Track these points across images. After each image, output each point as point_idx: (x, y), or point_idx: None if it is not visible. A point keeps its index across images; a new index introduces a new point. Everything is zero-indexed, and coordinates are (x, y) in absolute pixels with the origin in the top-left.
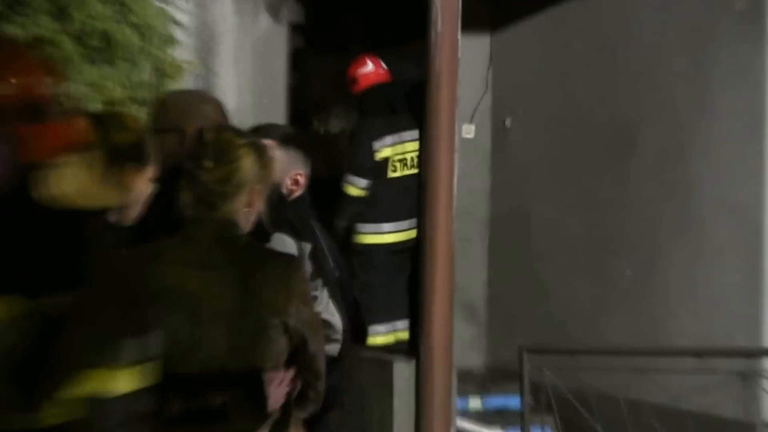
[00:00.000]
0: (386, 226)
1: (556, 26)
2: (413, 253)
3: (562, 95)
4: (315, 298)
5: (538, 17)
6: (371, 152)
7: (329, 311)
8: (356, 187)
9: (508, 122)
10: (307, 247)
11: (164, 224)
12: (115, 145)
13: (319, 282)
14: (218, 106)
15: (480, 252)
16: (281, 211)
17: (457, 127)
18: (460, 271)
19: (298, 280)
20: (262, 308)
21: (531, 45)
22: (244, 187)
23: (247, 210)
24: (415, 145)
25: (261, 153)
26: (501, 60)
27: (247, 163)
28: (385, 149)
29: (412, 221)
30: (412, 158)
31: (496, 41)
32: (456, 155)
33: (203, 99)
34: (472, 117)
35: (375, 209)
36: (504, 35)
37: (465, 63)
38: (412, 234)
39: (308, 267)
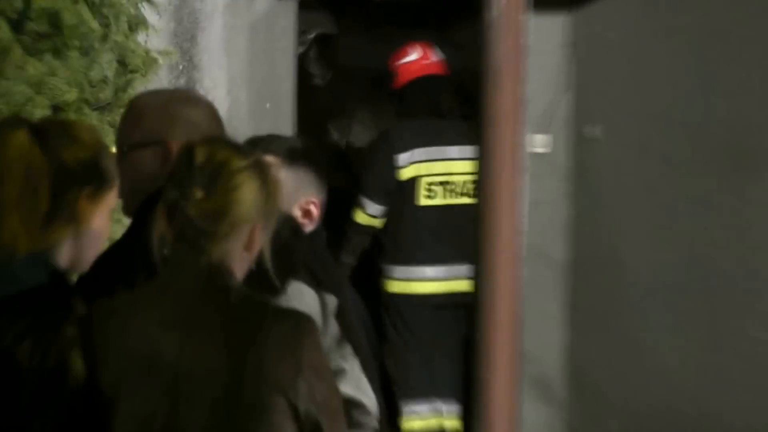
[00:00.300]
0: (420, 271)
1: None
2: (464, 310)
3: (668, 95)
4: (342, 372)
5: None
6: (391, 169)
7: (362, 389)
8: (365, 213)
9: (594, 132)
10: (332, 301)
11: (132, 271)
12: (63, 164)
13: (348, 350)
14: (210, 111)
15: (556, 307)
16: (297, 252)
17: (524, 140)
18: (529, 334)
19: (310, 347)
20: (262, 384)
21: (626, 25)
22: (242, 224)
23: (245, 253)
24: (468, 166)
25: (266, 178)
26: (585, 47)
27: (249, 193)
28: (412, 166)
29: (461, 267)
30: (464, 183)
31: (577, 21)
32: (523, 177)
33: (189, 101)
34: (546, 125)
35: (402, 247)
36: (589, 12)
37: (535, 52)
38: (462, 284)
39: (334, 328)
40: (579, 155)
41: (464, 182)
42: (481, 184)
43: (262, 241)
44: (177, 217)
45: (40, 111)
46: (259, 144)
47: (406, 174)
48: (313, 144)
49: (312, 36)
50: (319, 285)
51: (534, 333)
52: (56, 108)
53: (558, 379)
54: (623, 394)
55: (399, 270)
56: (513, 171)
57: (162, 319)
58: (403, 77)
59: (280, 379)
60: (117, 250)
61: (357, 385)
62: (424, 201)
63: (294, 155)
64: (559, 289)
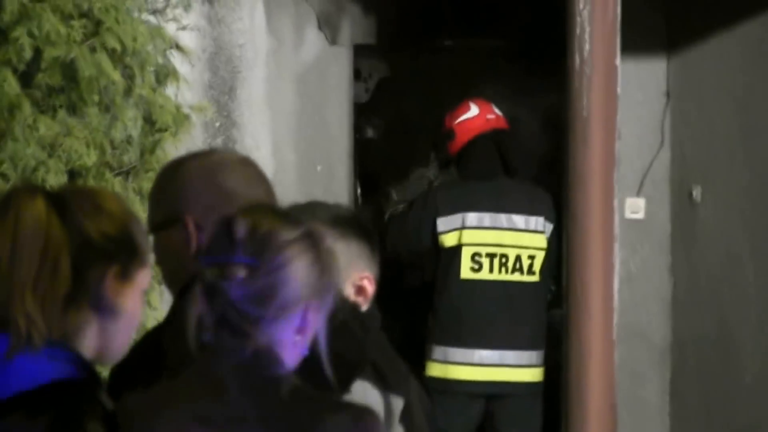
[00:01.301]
0: (461, 354)
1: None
2: (512, 404)
3: None
4: None
5: (742, 28)
6: (429, 232)
7: None
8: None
9: (697, 194)
10: (399, 403)
11: (166, 363)
12: (86, 238)
13: None
14: (249, 174)
15: (657, 395)
16: (360, 342)
17: (616, 203)
18: (626, 427)
19: None
20: None
21: (731, 71)
22: (295, 306)
23: (297, 338)
24: (525, 238)
25: (320, 250)
26: (685, 96)
27: (300, 269)
28: (455, 233)
29: (512, 354)
30: (517, 256)
31: (676, 67)
32: (615, 246)
33: (219, 165)
34: (641, 187)
35: (444, 325)
36: (689, 58)
37: (628, 102)
38: (512, 374)
39: None
40: (679, 221)
41: (518, 256)
42: (568, 255)
43: (316, 323)
44: (217, 300)
45: (54, 177)
46: (301, 213)
47: (448, 241)
48: (366, 211)
49: (375, 81)
50: (383, 382)
51: (631, 425)
52: (73, 173)
53: None
54: None
55: (439, 351)
56: (603, 239)
57: (200, 415)
58: (463, 137)
59: None
60: (153, 338)
61: None
62: (467, 274)
63: (342, 224)
64: (659, 375)
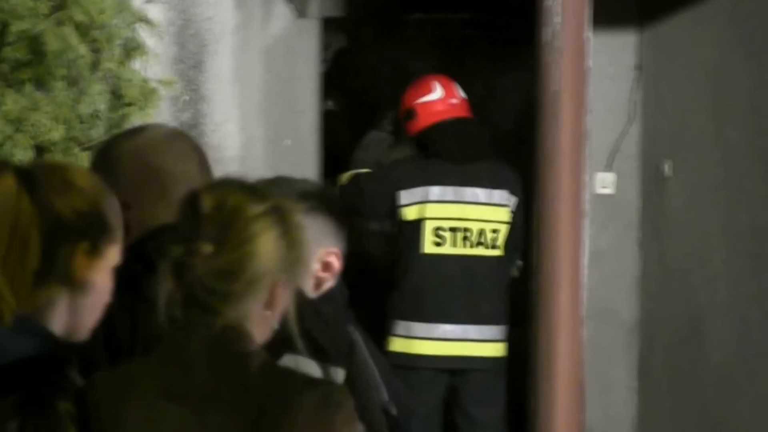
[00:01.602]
0: (424, 329)
1: (741, 15)
2: (475, 379)
3: (751, 124)
4: None
5: (715, 2)
6: (387, 207)
7: None
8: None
9: (667, 169)
10: (339, 374)
11: (124, 341)
12: (57, 215)
13: (361, 429)
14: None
15: (625, 373)
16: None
17: (586, 179)
18: (594, 405)
19: (345, 421)
20: None
21: (703, 47)
22: (262, 281)
23: (266, 313)
24: (493, 212)
25: (288, 224)
26: (656, 70)
27: (267, 244)
28: (417, 207)
29: (474, 329)
30: (481, 231)
31: (648, 41)
32: (585, 221)
33: (173, 138)
34: (611, 162)
35: (406, 300)
36: (661, 31)
37: (598, 76)
38: (474, 349)
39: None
40: (649, 196)
41: (481, 230)
42: (537, 231)
43: (285, 298)
44: (185, 277)
45: (21, 152)
46: (267, 188)
47: (410, 215)
48: (330, 186)
49: (332, 52)
50: (322, 354)
51: (598, 403)
52: (40, 148)
53: None
54: None
55: (402, 326)
56: (573, 215)
57: (169, 392)
58: (425, 119)
59: None
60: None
61: None
62: (429, 248)
63: (309, 199)
64: (628, 353)
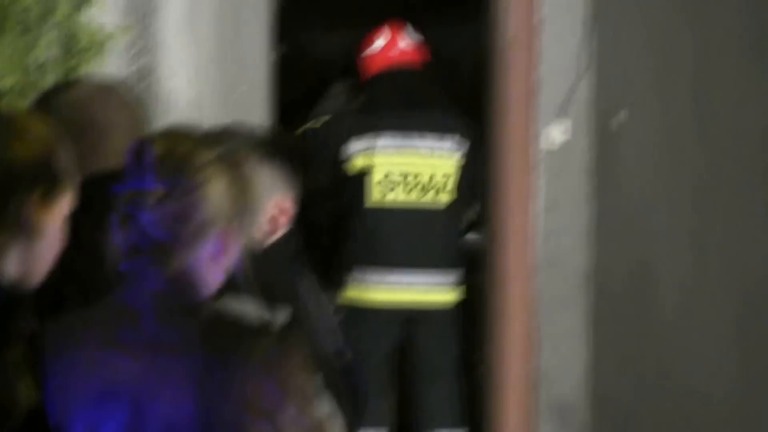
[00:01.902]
0: (376, 277)
1: None
2: (428, 327)
3: (706, 75)
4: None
5: None
6: (338, 162)
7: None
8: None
9: (620, 120)
10: (281, 315)
11: (86, 286)
12: (8, 163)
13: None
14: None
15: (577, 324)
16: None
17: (537, 129)
18: (546, 353)
19: (294, 370)
20: (238, 416)
21: None
22: (210, 230)
23: (214, 264)
24: (443, 158)
25: (237, 172)
26: (610, 20)
27: (216, 191)
28: (364, 156)
29: (426, 276)
30: (431, 177)
31: None
32: (536, 172)
33: (106, 90)
34: (563, 112)
35: (355, 250)
36: None
37: (551, 26)
38: (426, 296)
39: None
40: (601, 147)
41: (431, 176)
42: (489, 181)
43: (234, 248)
44: (130, 227)
45: None
46: (219, 136)
47: (358, 164)
48: (286, 134)
49: None
50: (269, 297)
51: (551, 351)
52: None
53: (579, 405)
54: (651, 422)
55: (355, 273)
56: (524, 166)
57: (118, 341)
58: (369, 70)
59: (260, 409)
60: (68, 261)
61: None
62: (378, 196)
63: (262, 147)
64: (580, 302)
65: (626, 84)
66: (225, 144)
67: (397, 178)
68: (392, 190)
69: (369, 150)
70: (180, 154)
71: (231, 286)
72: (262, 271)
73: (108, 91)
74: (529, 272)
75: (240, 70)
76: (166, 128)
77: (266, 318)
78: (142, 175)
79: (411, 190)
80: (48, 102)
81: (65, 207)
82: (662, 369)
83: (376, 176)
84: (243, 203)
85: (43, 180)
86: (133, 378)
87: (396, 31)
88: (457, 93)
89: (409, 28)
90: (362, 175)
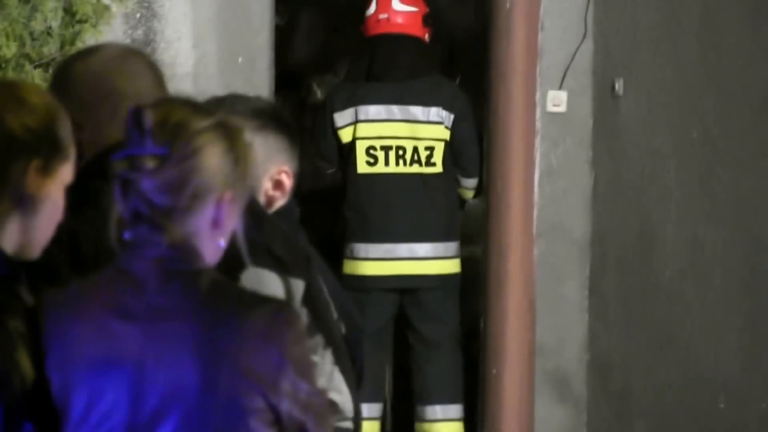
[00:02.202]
0: (364, 249)
1: None
2: (416, 296)
3: (706, 41)
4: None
5: None
6: (332, 132)
7: (334, 385)
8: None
9: (619, 87)
10: (299, 285)
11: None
12: (8, 132)
13: (320, 340)
14: (154, 69)
15: (576, 291)
16: (256, 231)
17: (538, 96)
18: (544, 322)
19: (294, 339)
20: (239, 383)
21: None
22: (208, 196)
23: (214, 231)
24: (426, 129)
25: (233, 139)
26: None
27: (212, 157)
28: (349, 128)
29: (425, 247)
30: (415, 148)
31: None
32: (537, 140)
33: (126, 57)
34: (563, 80)
35: (347, 222)
36: None
37: None
38: (414, 267)
39: (303, 317)
40: (601, 114)
41: (415, 147)
42: (489, 149)
43: (232, 215)
44: (130, 194)
45: None
46: (220, 106)
47: (344, 137)
48: (286, 103)
49: None
50: (285, 268)
51: (549, 321)
52: None
53: (577, 374)
54: (651, 391)
55: (347, 248)
56: (525, 133)
57: (122, 311)
58: (362, 38)
59: (260, 376)
60: (71, 233)
61: (329, 381)
62: (363, 168)
63: (261, 117)
64: (579, 270)
65: (625, 51)
66: (223, 111)
67: (379, 149)
68: (375, 161)
69: (353, 122)
70: (176, 121)
71: (251, 256)
72: (270, 238)
73: (128, 57)
74: (528, 241)
75: (241, 38)
76: (163, 98)
77: (285, 289)
78: (139, 141)
79: (395, 161)
80: (67, 70)
81: (65, 178)
82: (662, 337)
83: (360, 148)
84: (241, 170)
85: (43, 150)
86: (135, 344)
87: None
88: (458, 61)
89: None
90: (349, 147)
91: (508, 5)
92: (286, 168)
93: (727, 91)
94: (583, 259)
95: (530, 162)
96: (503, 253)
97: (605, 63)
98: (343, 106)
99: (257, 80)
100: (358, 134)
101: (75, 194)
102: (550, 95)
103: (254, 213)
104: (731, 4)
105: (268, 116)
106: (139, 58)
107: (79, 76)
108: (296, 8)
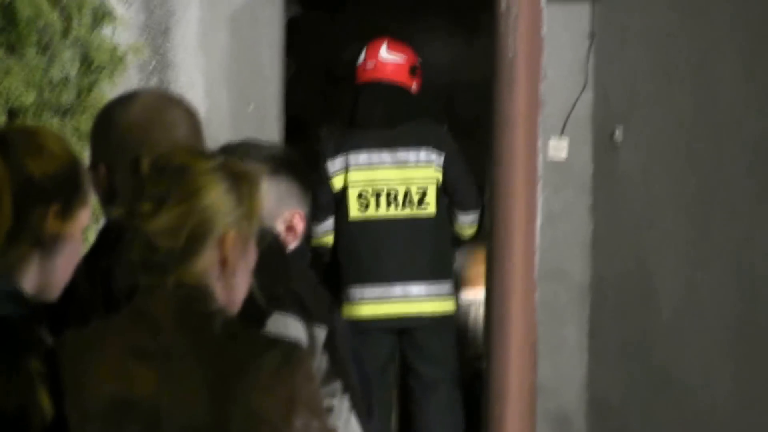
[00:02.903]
0: (358, 292)
1: None
2: (409, 337)
3: (700, 92)
4: (330, 410)
5: None
6: (327, 180)
7: (350, 429)
8: (316, 237)
9: (618, 135)
10: (322, 332)
11: (122, 295)
12: (28, 177)
13: (338, 386)
14: (191, 117)
15: (576, 334)
16: (281, 273)
17: (540, 144)
18: (545, 364)
19: (304, 380)
20: (251, 423)
21: (654, 14)
22: (207, 236)
23: (224, 272)
24: (417, 172)
25: (237, 179)
26: (608, 38)
27: (212, 197)
28: (341, 175)
29: (419, 287)
30: (407, 191)
31: (600, 9)
32: (538, 187)
33: (163, 106)
34: (564, 127)
35: (342, 266)
36: (613, 0)
37: (553, 44)
38: (407, 307)
39: (322, 363)
40: (601, 162)
41: (407, 190)
42: (492, 195)
43: (243, 256)
44: (134, 238)
45: None
46: (233, 151)
47: (337, 184)
48: (297, 150)
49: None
50: (306, 313)
51: (550, 362)
52: (12, 112)
53: (577, 414)
54: (649, 430)
55: (345, 291)
56: (527, 181)
57: (137, 352)
58: (359, 77)
59: (272, 416)
60: (102, 271)
61: (346, 424)
62: (355, 213)
63: (274, 162)
64: (579, 313)
65: (625, 100)
66: (231, 156)
67: (371, 193)
68: (368, 206)
69: (343, 169)
70: (178, 164)
71: (274, 302)
72: (297, 283)
73: (166, 105)
74: (530, 286)
75: (252, 87)
76: (168, 147)
77: (308, 335)
78: (139, 186)
79: (386, 205)
80: (107, 117)
81: (84, 220)
82: (659, 379)
83: (352, 194)
84: (245, 209)
85: (62, 194)
86: (151, 384)
87: (373, 47)
88: (460, 109)
89: (390, 44)
90: (342, 194)
91: (510, 54)
92: (298, 212)
93: (723, 139)
94: (583, 302)
95: (532, 208)
96: (505, 296)
97: (605, 112)
98: (334, 154)
99: (268, 128)
100: (350, 180)
101: (109, 234)
102: (551, 143)
103: (280, 258)
104: (726, 56)
105: (281, 161)
106: (176, 107)
107: (116, 123)
108: (305, 59)
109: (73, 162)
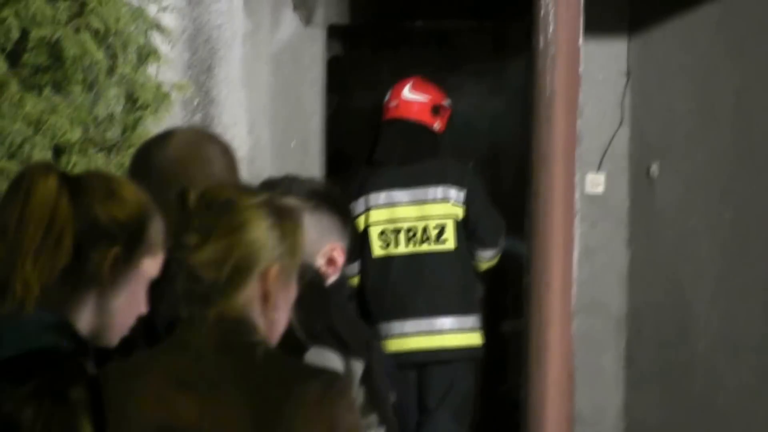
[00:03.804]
0: (382, 328)
1: (729, 22)
2: (435, 371)
3: (736, 128)
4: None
5: (702, 11)
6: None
7: None
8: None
9: (655, 169)
10: (359, 366)
11: (162, 330)
12: (94, 220)
13: (374, 419)
14: (227, 154)
15: (613, 364)
16: (320, 308)
17: (577, 179)
18: (582, 394)
19: (345, 409)
20: None
21: (690, 51)
22: (250, 270)
23: (265, 305)
24: (434, 208)
25: (281, 215)
26: (645, 76)
27: (255, 232)
28: (363, 215)
29: (440, 321)
30: (425, 228)
31: (637, 47)
32: (576, 220)
33: (200, 143)
34: (601, 163)
35: (367, 304)
36: (650, 38)
37: (590, 81)
38: (429, 341)
39: (359, 396)
40: (637, 196)
41: (425, 227)
42: (530, 229)
43: (284, 290)
44: (181, 273)
45: (39, 152)
46: (276, 186)
47: (360, 224)
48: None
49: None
50: (344, 347)
51: (588, 392)
52: (58, 149)
53: None
54: None
55: (372, 328)
56: (565, 215)
57: (180, 381)
58: (386, 113)
59: None
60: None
61: None
62: (378, 251)
63: (315, 197)
64: (616, 344)
65: (661, 136)
66: (273, 191)
67: (391, 232)
68: (388, 244)
69: (365, 209)
70: (224, 199)
71: (313, 337)
72: (335, 317)
73: (203, 142)
74: (567, 318)
75: (294, 123)
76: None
77: (346, 369)
78: (182, 222)
79: (406, 242)
80: (145, 155)
81: (150, 271)
82: (696, 409)
83: (374, 233)
84: (288, 245)
85: (124, 239)
86: (193, 413)
87: (399, 87)
88: (501, 145)
89: (415, 83)
90: (364, 234)
91: (548, 92)
92: (338, 245)
93: (759, 174)
94: (619, 333)
95: (570, 242)
96: (543, 327)
97: (641, 147)
98: (357, 196)
99: (309, 164)
100: (371, 220)
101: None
102: (588, 178)
103: (319, 294)
104: (762, 92)
105: (322, 196)
106: (213, 143)
107: (153, 161)
108: (347, 97)
109: (144, 211)
